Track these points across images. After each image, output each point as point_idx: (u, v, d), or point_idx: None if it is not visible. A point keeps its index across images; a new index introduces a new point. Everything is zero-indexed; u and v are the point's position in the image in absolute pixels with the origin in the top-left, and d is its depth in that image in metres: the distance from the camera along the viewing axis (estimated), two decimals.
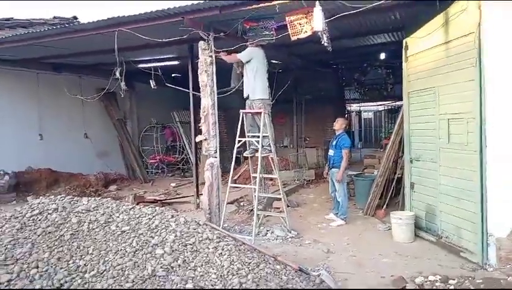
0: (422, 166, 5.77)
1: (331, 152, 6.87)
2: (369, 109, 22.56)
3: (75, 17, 12.07)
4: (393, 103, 15.54)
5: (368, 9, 5.07)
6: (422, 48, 5.75)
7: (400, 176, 6.99)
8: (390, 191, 7.12)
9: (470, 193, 4.65)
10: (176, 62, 9.86)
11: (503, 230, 4.25)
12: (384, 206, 7.01)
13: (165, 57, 9.61)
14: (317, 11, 4.97)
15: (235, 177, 10.22)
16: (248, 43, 6.09)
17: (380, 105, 19.41)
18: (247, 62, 6.07)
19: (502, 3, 4.29)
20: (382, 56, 10.45)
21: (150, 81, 8.28)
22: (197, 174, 7.96)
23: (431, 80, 5.49)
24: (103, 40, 6.93)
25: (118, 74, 7.68)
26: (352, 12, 5.16)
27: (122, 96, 8.15)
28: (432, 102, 5.46)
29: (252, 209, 7.30)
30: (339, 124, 6.86)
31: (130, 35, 6.22)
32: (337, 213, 6.77)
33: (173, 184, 10.56)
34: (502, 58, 4.33)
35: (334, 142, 6.83)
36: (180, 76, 11.21)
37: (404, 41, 6.30)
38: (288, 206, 7.83)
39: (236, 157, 6.16)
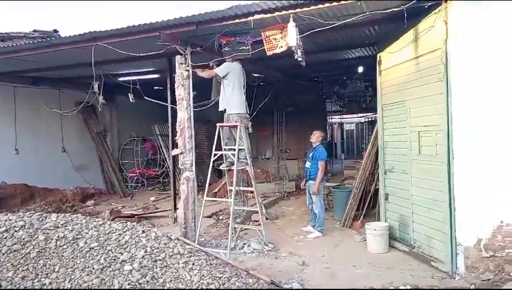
0: (396, 177, 5.87)
1: (307, 164, 6.97)
2: (351, 121, 22.88)
3: (55, 30, 11.92)
4: (373, 115, 15.80)
5: (341, 25, 5.20)
6: (394, 62, 5.91)
7: (377, 187, 7.08)
8: (367, 202, 7.21)
9: (440, 203, 4.75)
10: (156, 75, 9.86)
11: (471, 239, 4.35)
12: (361, 217, 7.08)
13: (145, 70, 9.60)
14: (291, 27, 5.09)
15: (216, 190, 10.24)
16: (225, 57, 6.14)
17: (361, 117, 19.72)
18: (224, 76, 6.12)
19: (467, 21, 4.46)
20: (360, 69, 10.65)
21: (129, 94, 8.25)
22: (175, 188, 7.91)
23: (402, 94, 5.63)
24: (82, 53, 6.90)
25: (96, 88, 7.65)
26: (326, 28, 5.28)
27: (100, 110, 8.10)
28: (404, 115, 5.59)
29: None
30: (315, 137, 6.97)
31: (108, 49, 6.22)
32: (314, 225, 6.81)
33: (152, 198, 10.45)
34: (466, 72, 4.47)
35: (310, 155, 6.93)
36: (162, 89, 11.22)
37: (378, 55, 6.48)
38: (267, 218, 7.87)
39: (217, 169, 6.21)
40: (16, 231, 3.74)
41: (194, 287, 3.37)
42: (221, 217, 8.00)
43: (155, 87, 11.51)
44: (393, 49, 5.88)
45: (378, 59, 6.42)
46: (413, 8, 4.70)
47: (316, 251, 5.82)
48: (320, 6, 4.79)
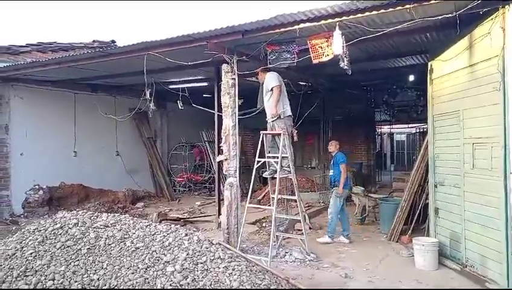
0: (447, 191, 5.58)
1: (331, 172, 7.20)
2: (401, 131, 22.10)
3: (113, 41, 12.74)
4: (425, 125, 15.16)
5: (390, 32, 5.09)
6: (446, 71, 5.65)
7: (427, 201, 6.78)
8: (416, 216, 6.90)
9: (495, 220, 4.44)
10: (205, 83, 10.13)
11: None
12: (409, 231, 6.79)
13: (194, 78, 9.91)
14: (337, 35, 5.04)
15: (260, 197, 10.29)
16: (270, 66, 6.18)
17: (413, 127, 18.99)
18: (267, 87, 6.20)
19: None
20: (411, 78, 10.32)
21: (178, 102, 8.56)
22: (220, 193, 8.04)
23: (455, 103, 5.37)
24: (136, 62, 7.27)
25: (147, 95, 8.02)
26: (373, 35, 5.18)
27: (151, 116, 8.43)
28: (457, 126, 5.32)
29: None
30: (333, 146, 7.24)
31: (159, 57, 6.51)
32: (348, 234, 6.87)
33: (198, 203, 10.70)
34: None
35: (332, 162, 7.15)
36: (211, 96, 11.55)
37: (429, 64, 6.23)
38: (310, 228, 7.78)
39: (262, 177, 6.34)
40: (69, 228, 3.98)
41: None
42: (264, 225, 8.01)
43: (204, 95, 11.84)
44: (445, 57, 5.63)
45: (429, 67, 6.17)
46: (466, 14, 4.49)
47: (360, 264, 5.66)
48: (367, 13, 4.70)
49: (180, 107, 8.55)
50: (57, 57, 8.25)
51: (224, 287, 3.45)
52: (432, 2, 4.27)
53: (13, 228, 6.53)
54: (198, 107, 7.90)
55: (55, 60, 7.85)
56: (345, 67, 5.24)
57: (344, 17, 4.84)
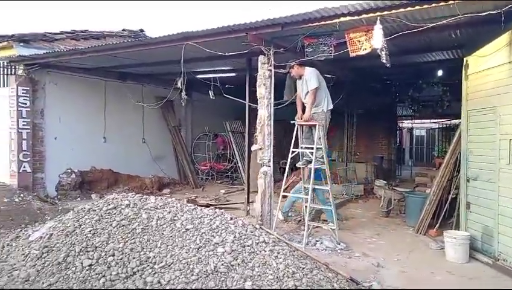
0: (480, 186, 5.65)
1: None
2: (421, 127, 21.97)
3: (141, 30, 12.97)
4: (449, 121, 15.07)
5: (428, 27, 5.13)
6: (484, 67, 5.69)
7: (454, 196, 6.85)
8: (443, 211, 6.98)
9: None
10: (232, 74, 10.27)
11: None
12: (437, 225, 6.88)
13: (223, 68, 10.05)
14: (377, 29, 5.10)
15: (284, 187, 10.44)
16: (307, 58, 6.27)
17: (434, 123, 18.86)
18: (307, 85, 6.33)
19: None
20: (439, 73, 10.27)
21: (209, 91, 8.72)
22: (249, 182, 8.22)
23: (492, 99, 5.41)
24: (167, 52, 7.43)
25: (179, 84, 8.19)
26: (411, 31, 5.23)
27: (183, 104, 8.60)
28: (493, 121, 5.37)
29: (300, 220, 7.47)
30: None
31: (193, 48, 6.66)
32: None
33: (223, 191, 10.91)
34: None
35: None
36: (233, 87, 11.69)
37: (464, 59, 6.26)
38: (337, 219, 7.90)
39: (283, 167, 6.49)
40: (122, 208, 4.21)
41: (281, 274, 3.57)
42: (290, 214, 8.16)
43: (227, 86, 11.98)
44: (483, 53, 5.66)
45: (465, 63, 6.20)
46: (508, 10, 4.50)
47: (390, 255, 5.78)
48: (410, 8, 4.75)
49: (211, 97, 8.72)
50: (94, 45, 8.46)
51: (271, 269, 3.63)
52: None
53: (59, 208, 6.81)
54: (231, 97, 8.04)
55: (93, 48, 8.05)
56: (384, 60, 5.31)
57: (386, 12, 4.90)
